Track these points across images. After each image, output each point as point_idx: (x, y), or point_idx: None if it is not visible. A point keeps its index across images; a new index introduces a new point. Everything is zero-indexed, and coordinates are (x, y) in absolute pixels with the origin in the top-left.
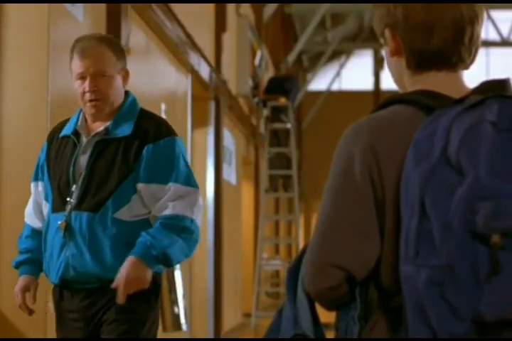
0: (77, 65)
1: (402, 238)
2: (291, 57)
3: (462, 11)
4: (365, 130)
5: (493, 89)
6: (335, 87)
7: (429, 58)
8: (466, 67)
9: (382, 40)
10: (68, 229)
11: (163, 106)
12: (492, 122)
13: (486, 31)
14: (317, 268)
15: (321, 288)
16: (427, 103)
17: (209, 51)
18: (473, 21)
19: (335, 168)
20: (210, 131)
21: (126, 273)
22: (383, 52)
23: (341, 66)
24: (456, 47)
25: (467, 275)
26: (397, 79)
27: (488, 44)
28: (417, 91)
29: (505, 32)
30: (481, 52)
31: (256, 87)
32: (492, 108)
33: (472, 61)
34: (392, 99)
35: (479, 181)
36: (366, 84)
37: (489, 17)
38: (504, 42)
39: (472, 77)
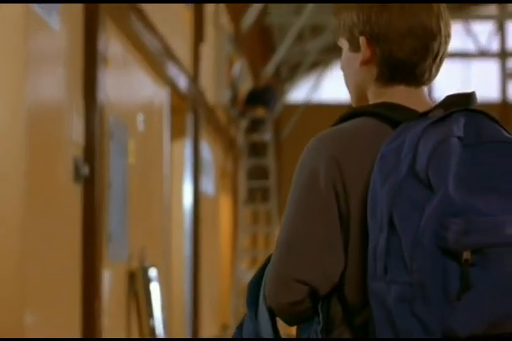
0: None
1: (370, 254)
2: (270, 68)
3: (441, 28)
4: (328, 142)
5: (457, 103)
6: (314, 98)
7: (405, 71)
8: (430, 84)
9: (346, 46)
10: None
11: (140, 118)
12: (459, 137)
13: (465, 43)
14: (280, 282)
15: (284, 303)
16: (392, 116)
17: (187, 62)
18: (447, 40)
19: (297, 180)
20: (188, 142)
21: None
22: (345, 58)
23: (320, 77)
24: (431, 63)
25: (438, 292)
26: (359, 90)
27: (467, 56)
28: (381, 103)
29: (483, 44)
30: (461, 64)
31: (234, 97)
32: (459, 122)
33: (435, 78)
34: (355, 112)
35: (449, 197)
36: (346, 95)
37: (468, 29)
38: (483, 54)
39: (452, 89)
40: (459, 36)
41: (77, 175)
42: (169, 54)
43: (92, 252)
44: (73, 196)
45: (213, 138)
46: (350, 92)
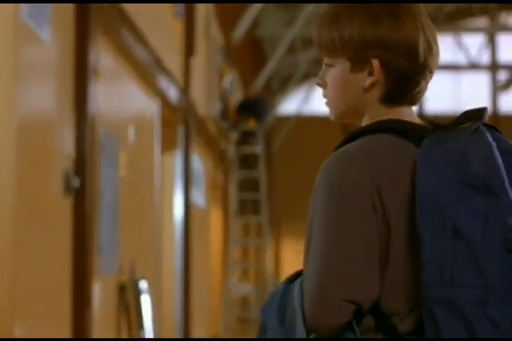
0: None
1: (430, 263)
2: (261, 80)
3: (436, 43)
4: (364, 159)
5: (473, 117)
6: (305, 110)
7: (409, 92)
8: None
9: (344, 66)
10: None
11: (131, 130)
12: (497, 147)
13: (456, 55)
14: (328, 304)
15: (333, 324)
16: (411, 130)
17: (178, 74)
18: (438, 55)
19: (334, 196)
20: (179, 154)
21: None
22: (338, 78)
23: (311, 89)
24: (428, 81)
25: (509, 293)
26: (354, 110)
27: (458, 68)
28: (391, 120)
29: (474, 56)
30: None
31: (225, 109)
32: (487, 134)
33: None
34: (372, 128)
35: (510, 201)
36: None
37: (459, 41)
38: (473, 66)
39: (443, 101)
40: (449, 49)
41: (67, 187)
42: (160, 66)
43: (82, 264)
44: (64, 208)
45: (204, 150)
46: (337, 110)
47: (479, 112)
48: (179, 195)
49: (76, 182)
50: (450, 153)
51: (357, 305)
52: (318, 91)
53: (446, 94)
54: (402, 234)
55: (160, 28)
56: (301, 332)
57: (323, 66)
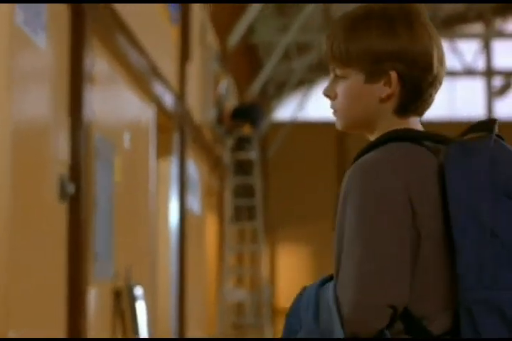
0: None
1: (470, 266)
2: (256, 86)
3: (444, 53)
4: (395, 167)
5: (486, 127)
6: (300, 116)
7: (422, 103)
8: None
9: (358, 77)
10: None
11: (126, 136)
12: None
13: (451, 61)
14: (372, 310)
15: (375, 329)
16: (426, 140)
17: (173, 80)
18: (445, 65)
19: (369, 204)
20: (174, 160)
21: None
22: (352, 89)
23: (306, 95)
24: (437, 92)
25: None
26: (365, 120)
27: (453, 74)
28: (407, 129)
29: (469, 62)
30: (446, 82)
31: (220, 116)
32: (505, 143)
33: None
34: (391, 137)
35: None
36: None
37: (454, 47)
38: (468, 72)
39: (438, 107)
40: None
41: (62, 193)
42: (155, 72)
43: (77, 270)
44: (59, 214)
45: (199, 156)
46: (348, 120)
47: (491, 123)
48: (174, 201)
49: (71, 188)
50: (479, 161)
51: (395, 309)
52: (313, 98)
53: (441, 100)
54: (434, 240)
55: (155, 34)
56: (339, 334)
57: (332, 76)
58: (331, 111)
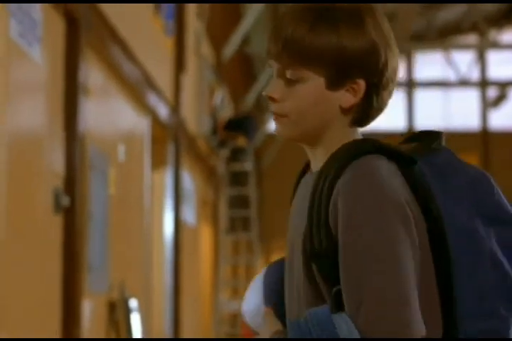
0: None
1: (468, 296)
2: (251, 97)
3: None
4: (391, 181)
5: (425, 138)
6: None
7: (378, 115)
8: None
9: (318, 81)
10: None
11: (121, 147)
12: None
13: (446, 72)
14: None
15: None
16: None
17: (168, 91)
18: None
19: (387, 219)
20: (169, 171)
21: None
22: (310, 92)
23: None
24: None
25: None
26: (317, 127)
27: (447, 85)
28: (365, 139)
29: (464, 73)
30: (441, 93)
31: (215, 127)
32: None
33: None
34: (364, 149)
35: None
36: None
37: (449, 58)
38: (463, 83)
39: (433, 118)
40: (439, 65)
41: (57, 205)
42: (150, 83)
43: (72, 283)
44: (53, 227)
45: (194, 167)
46: (298, 128)
47: (434, 134)
48: (169, 212)
49: (66, 201)
50: (460, 182)
51: None
52: None
53: (436, 111)
54: (429, 263)
55: (150, 45)
56: None
57: (277, 75)
58: (273, 115)
